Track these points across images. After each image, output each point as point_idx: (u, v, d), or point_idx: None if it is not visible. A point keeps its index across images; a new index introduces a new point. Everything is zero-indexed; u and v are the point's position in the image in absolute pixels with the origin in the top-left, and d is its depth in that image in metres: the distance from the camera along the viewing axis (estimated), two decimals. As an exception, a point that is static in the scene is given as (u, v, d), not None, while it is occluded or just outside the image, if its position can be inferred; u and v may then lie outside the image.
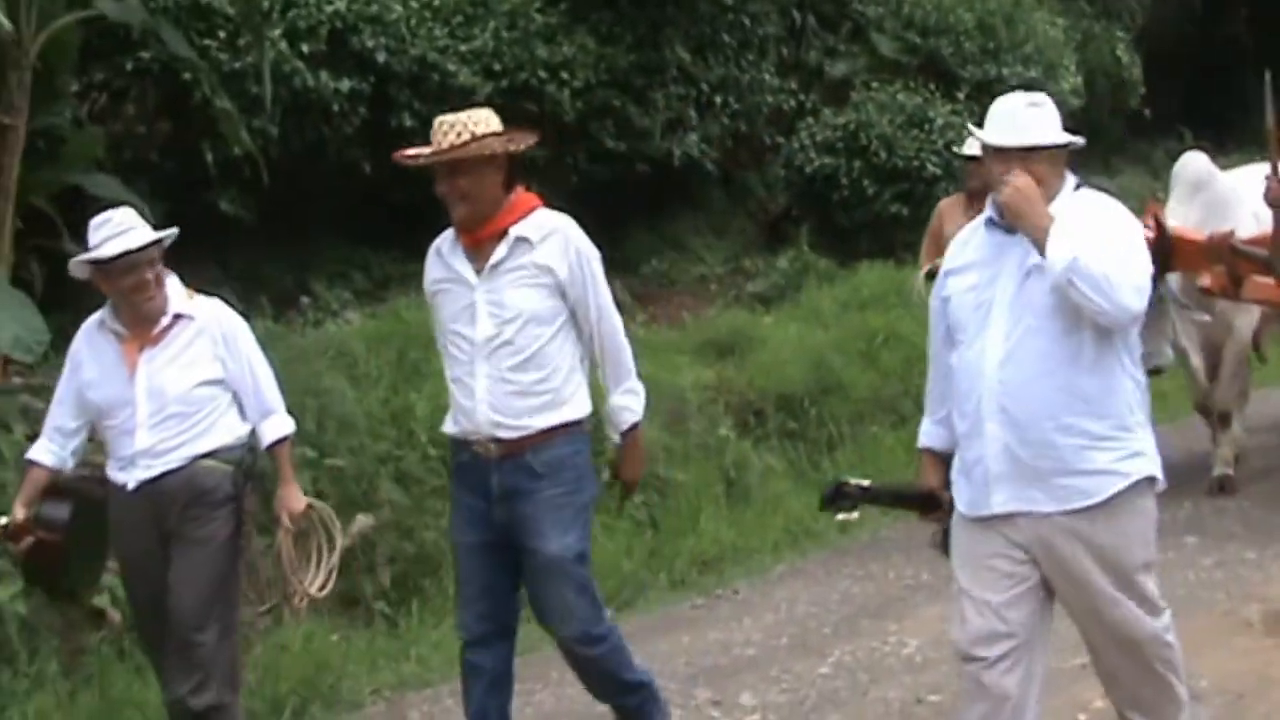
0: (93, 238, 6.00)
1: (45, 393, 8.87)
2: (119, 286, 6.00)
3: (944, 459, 5.34)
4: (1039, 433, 4.94)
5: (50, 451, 6.23)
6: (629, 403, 5.92)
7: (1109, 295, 4.76)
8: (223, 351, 6.12)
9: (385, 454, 9.24)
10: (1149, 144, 20.35)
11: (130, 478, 6.06)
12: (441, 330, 5.98)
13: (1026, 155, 5.02)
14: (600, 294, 5.82)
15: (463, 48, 12.34)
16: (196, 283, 10.98)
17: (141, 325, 6.06)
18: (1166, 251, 9.00)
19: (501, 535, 5.85)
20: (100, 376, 6.12)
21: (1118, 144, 19.92)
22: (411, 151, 5.93)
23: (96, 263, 5.96)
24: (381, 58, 11.77)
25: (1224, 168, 10.32)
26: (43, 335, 7.59)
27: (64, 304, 9.53)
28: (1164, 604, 5.09)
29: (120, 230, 5.95)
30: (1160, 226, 9.03)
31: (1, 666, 7.07)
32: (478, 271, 5.76)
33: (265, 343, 9.88)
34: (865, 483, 5.52)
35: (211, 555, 6.04)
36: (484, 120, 5.76)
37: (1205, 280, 9.36)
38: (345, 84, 11.56)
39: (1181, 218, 9.41)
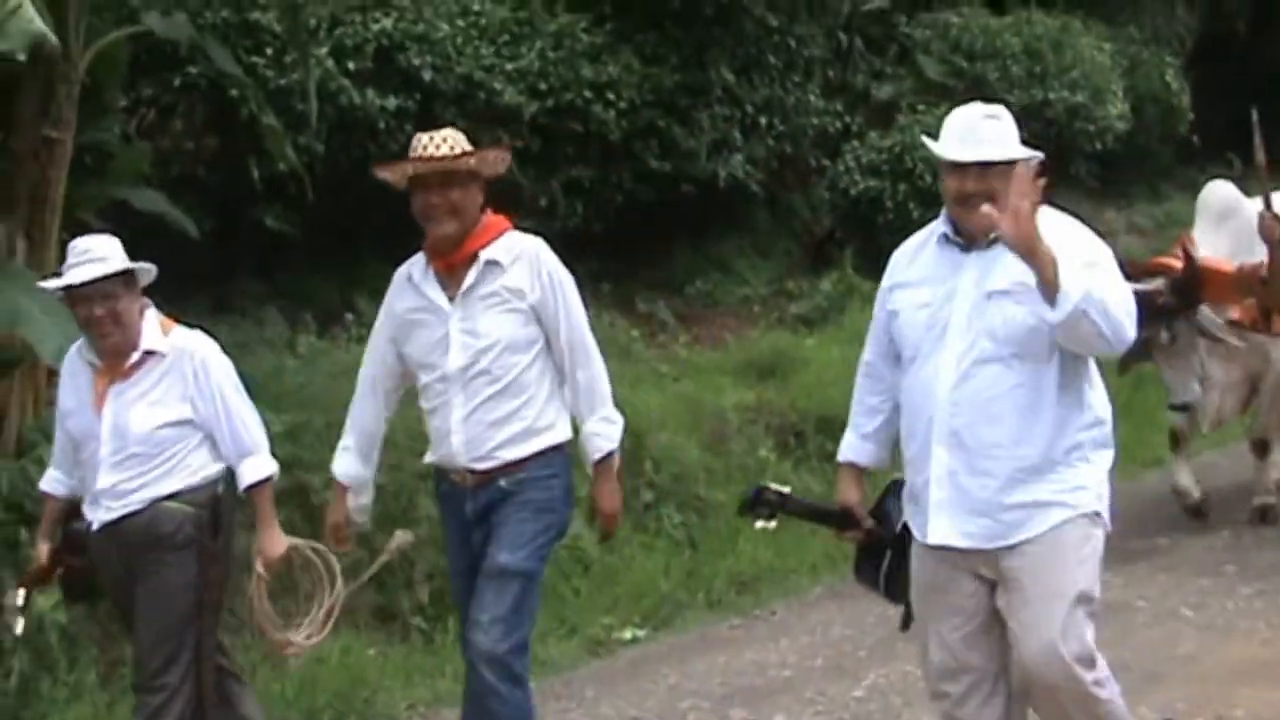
0: (66, 263, 5.93)
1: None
2: (77, 317, 5.95)
3: (862, 475, 5.31)
4: (987, 460, 4.79)
5: (58, 481, 6.17)
6: (602, 430, 5.76)
7: (1114, 325, 4.63)
8: (193, 391, 5.90)
9: (424, 470, 9.22)
10: (1198, 171, 20.21)
11: (95, 517, 5.93)
12: (378, 355, 5.93)
13: (984, 171, 4.82)
14: (573, 317, 5.70)
15: (508, 67, 12.39)
16: (242, 298, 11.22)
17: (111, 358, 5.91)
18: (1195, 283, 8.92)
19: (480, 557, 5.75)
20: (75, 406, 6.01)
21: (1166, 171, 19.83)
22: (398, 165, 5.75)
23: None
24: (427, 76, 11.82)
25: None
26: (85, 347, 7.63)
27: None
28: (1097, 654, 4.84)
29: (81, 261, 5.85)
30: (1189, 257, 8.93)
31: (41, 675, 7.13)
32: (450, 299, 5.66)
33: (309, 359, 10.09)
34: (785, 489, 5.44)
35: (170, 599, 5.84)
36: (464, 140, 5.72)
37: (1234, 313, 9.16)
38: (391, 101, 11.62)
39: (1210, 248, 9.18)
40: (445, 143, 5.63)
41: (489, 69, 12.26)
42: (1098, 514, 4.88)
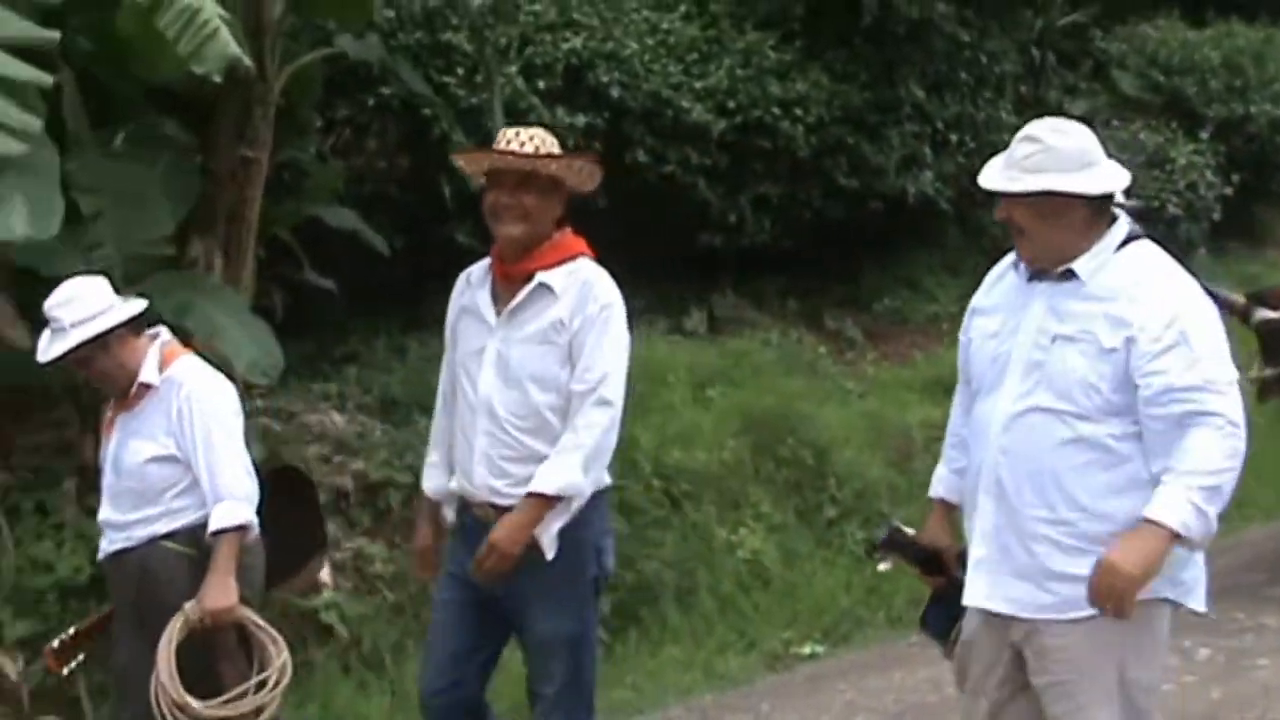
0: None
1: (283, 415, 9.24)
2: None
3: (953, 512, 4.87)
4: (1031, 523, 4.37)
5: None
6: (550, 470, 5.06)
7: (1227, 453, 4.21)
8: (175, 426, 5.70)
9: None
10: None
11: (102, 547, 5.91)
12: (451, 366, 5.46)
13: (1009, 200, 4.42)
14: (601, 352, 5.13)
15: (697, 84, 12.45)
16: (433, 313, 11.38)
17: (114, 391, 5.87)
18: None
19: (489, 600, 5.29)
20: (104, 436, 6.00)
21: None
22: (478, 154, 5.45)
23: None
24: (616, 94, 11.93)
25: None
26: (278, 360, 7.85)
27: (304, 332, 9.89)
28: None
29: (51, 327, 5.72)
30: None
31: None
32: (498, 313, 5.26)
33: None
34: (910, 531, 5.00)
35: (157, 640, 5.62)
36: (553, 143, 5.30)
37: None
38: (580, 119, 11.74)
39: None
40: (531, 140, 5.22)
41: (677, 87, 12.33)
42: (1168, 600, 4.40)
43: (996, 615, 4.50)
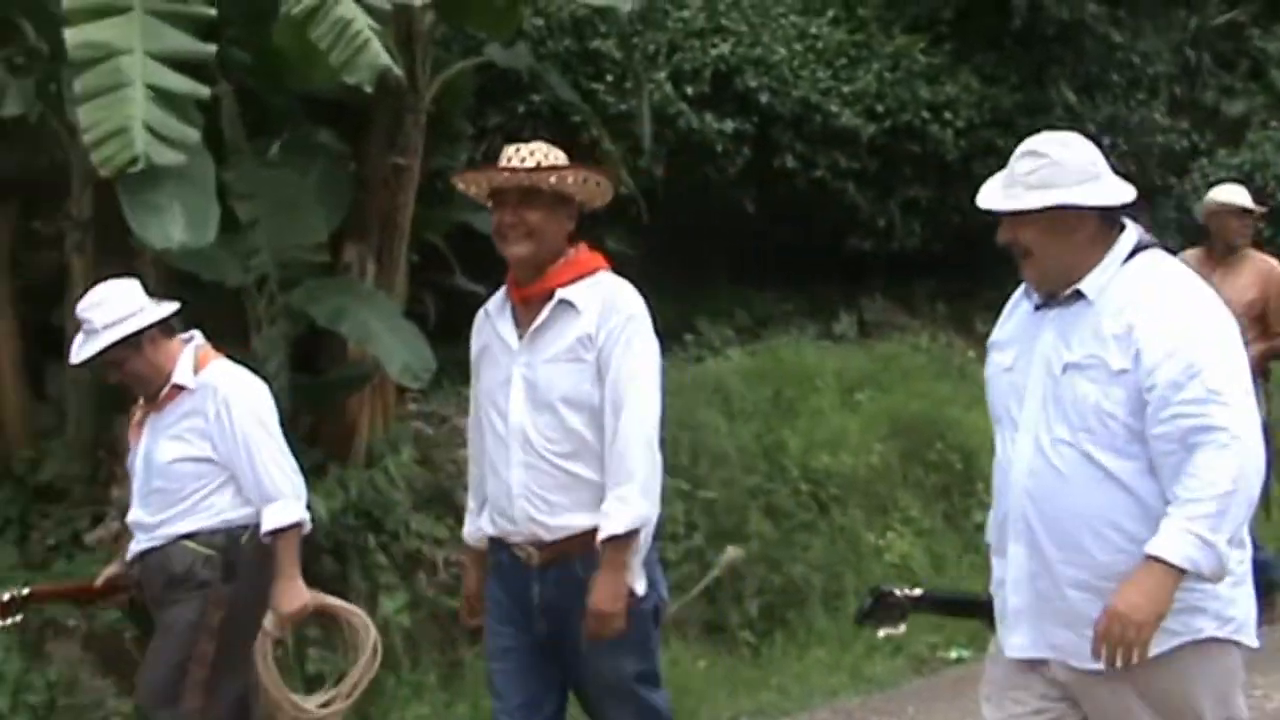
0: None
1: (435, 419, 9.38)
2: None
3: None
4: (1069, 567, 4.08)
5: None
6: (613, 509, 4.73)
7: (1241, 483, 3.90)
8: (214, 429, 5.69)
9: (756, 487, 9.43)
10: None
11: (130, 548, 5.91)
12: (477, 405, 5.15)
13: (1012, 219, 4.16)
14: (629, 363, 4.80)
15: (845, 89, 12.45)
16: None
17: (146, 392, 5.87)
18: None
19: (541, 645, 4.98)
20: (131, 438, 5.99)
21: None
22: (478, 174, 5.16)
23: None
24: (764, 99, 11.96)
25: None
26: (430, 364, 7.97)
27: (456, 336, 10.00)
28: None
29: (83, 330, 5.77)
30: None
31: (386, 675, 7.46)
32: (520, 337, 4.95)
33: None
34: (916, 592, 4.80)
35: (175, 641, 5.67)
36: (562, 159, 5.01)
37: None
38: (729, 125, 11.79)
39: None
40: (532, 155, 4.94)
41: (826, 91, 12.34)
42: (1218, 639, 4.07)
43: (1039, 661, 4.21)
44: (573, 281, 4.91)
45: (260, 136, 8.35)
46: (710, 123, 11.68)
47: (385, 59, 6.80)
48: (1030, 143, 4.21)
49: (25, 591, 6.06)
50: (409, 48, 8.52)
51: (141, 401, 5.90)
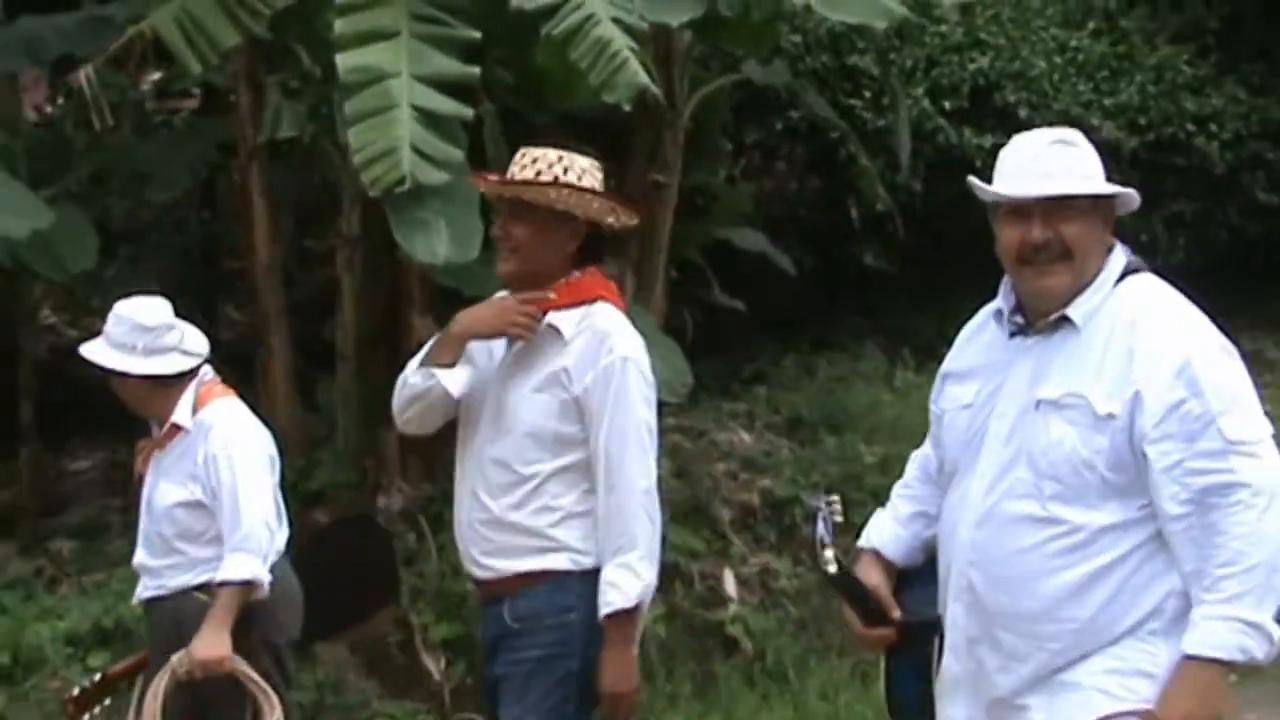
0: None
1: (693, 434, 9.48)
2: None
3: (888, 569, 3.94)
4: (1011, 634, 3.54)
5: None
6: (619, 579, 4.28)
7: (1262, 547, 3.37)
8: (202, 473, 5.36)
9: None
10: None
11: (137, 592, 5.63)
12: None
13: (1053, 210, 3.57)
14: (619, 419, 4.31)
15: (1107, 102, 12.27)
16: (842, 333, 11.51)
17: (157, 425, 5.56)
18: None
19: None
20: (138, 470, 5.67)
21: None
22: (480, 179, 4.92)
23: None
24: (1024, 113, 11.83)
25: None
26: (687, 379, 8.06)
27: (716, 351, 10.12)
28: None
29: (105, 333, 5.45)
30: None
31: (643, 685, 7.56)
32: (506, 352, 4.51)
33: (904, 392, 10.28)
34: (831, 569, 3.93)
35: (184, 697, 5.35)
36: (579, 169, 4.46)
37: None
38: (987, 140, 11.68)
39: None
40: (534, 164, 4.44)
41: (1087, 105, 12.18)
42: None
43: None
44: (566, 307, 4.41)
45: (522, 155, 8.51)
46: (969, 137, 11.61)
47: (643, 78, 6.91)
48: (1048, 133, 3.74)
49: (97, 678, 5.81)
50: (667, 66, 8.66)
51: (153, 432, 5.59)
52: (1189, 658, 3.39)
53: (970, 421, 3.66)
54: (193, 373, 5.47)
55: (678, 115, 8.83)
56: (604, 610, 4.26)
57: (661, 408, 8.92)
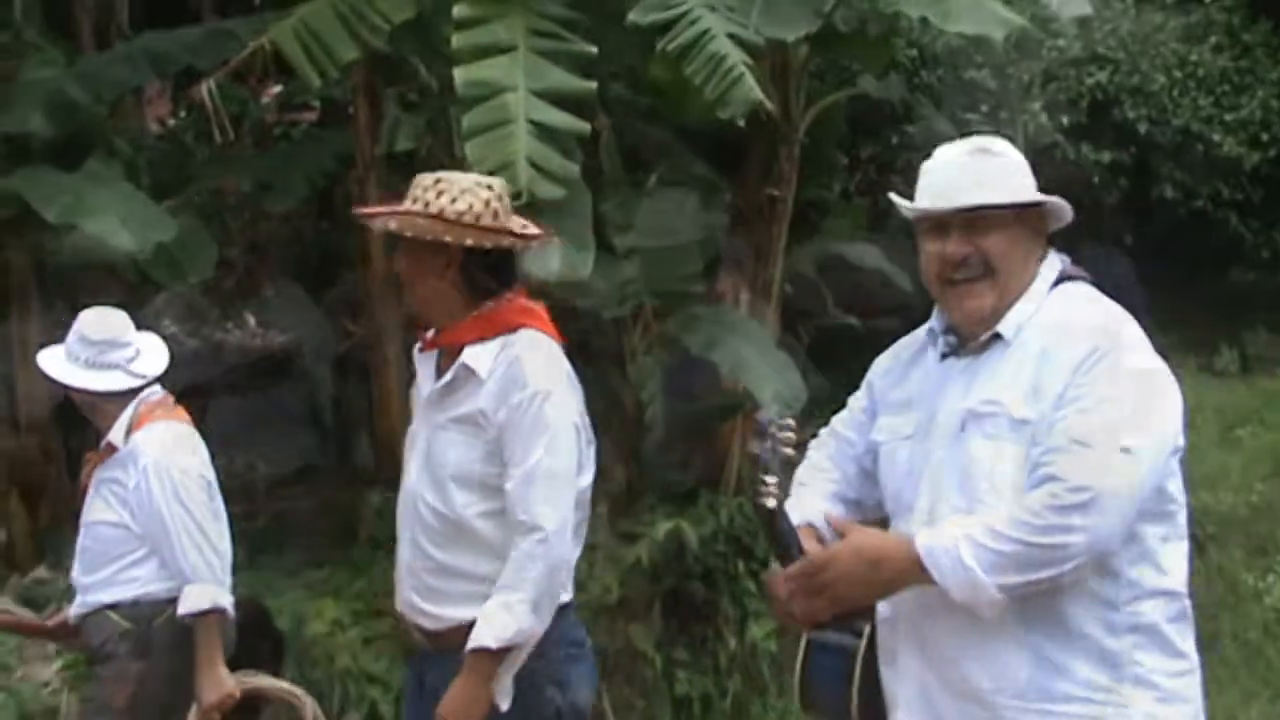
0: None
1: (805, 449, 9.45)
2: None
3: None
4: (965, 683, 3.25)
5: None
6: (495, 617, 3.96)
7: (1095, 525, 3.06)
8: (133, 499, 5.18)
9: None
10: None
11: (70, 609, 5.44)
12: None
13: (971, 223, 3.31)
14: (533, 453, 4.01)
15: (1228, 117, 12.15)
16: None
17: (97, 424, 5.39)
18: None
19: None
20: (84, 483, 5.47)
21: None
22: (367, 210, 4.63)
23: None
24: (1143, 129, 11.76)
25: None
26: (800, 393, 8.02)
27: (830, 365, 10.07)
28: None
29: (65, 342, 5.32)
30: None
31: (753, 697, 7.56)
32: (433, 388, 4.23)
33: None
34: (770, 502, 3.53)
35: (90, 715, 5.32)
36: (457, 190, 4.11)
37: None
38: (1105, 155, 11.62)
39: None
40: (425, 193, 4.12)
41: (1207, 120, 12.06)
42: None
43: None
44: (478, 341, 4.14)
45: (637, 169, 8.56)
46: (1087, 153, 11.53)
47: (757, 93, 6.92)
48: (969, 143, 3.47)
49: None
50: (783, 80, 8.65)
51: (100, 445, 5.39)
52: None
53: (911, 455, 3.39)
54: (134, 392, 5.27)
55: (793, 130, 8.82)
56: (470, 644, 3.97)
57: (773, 422, 8.97)
